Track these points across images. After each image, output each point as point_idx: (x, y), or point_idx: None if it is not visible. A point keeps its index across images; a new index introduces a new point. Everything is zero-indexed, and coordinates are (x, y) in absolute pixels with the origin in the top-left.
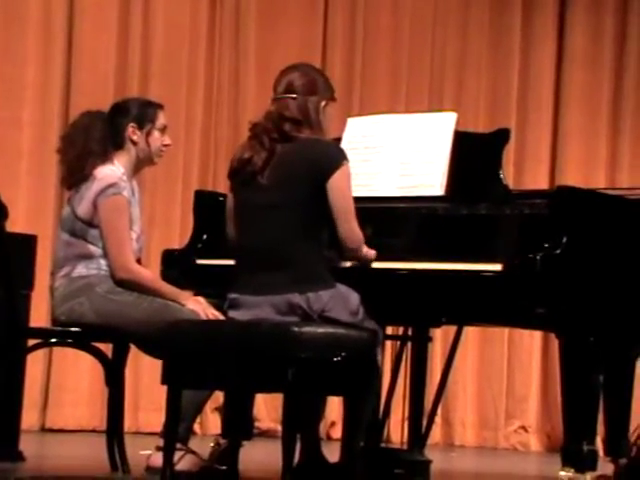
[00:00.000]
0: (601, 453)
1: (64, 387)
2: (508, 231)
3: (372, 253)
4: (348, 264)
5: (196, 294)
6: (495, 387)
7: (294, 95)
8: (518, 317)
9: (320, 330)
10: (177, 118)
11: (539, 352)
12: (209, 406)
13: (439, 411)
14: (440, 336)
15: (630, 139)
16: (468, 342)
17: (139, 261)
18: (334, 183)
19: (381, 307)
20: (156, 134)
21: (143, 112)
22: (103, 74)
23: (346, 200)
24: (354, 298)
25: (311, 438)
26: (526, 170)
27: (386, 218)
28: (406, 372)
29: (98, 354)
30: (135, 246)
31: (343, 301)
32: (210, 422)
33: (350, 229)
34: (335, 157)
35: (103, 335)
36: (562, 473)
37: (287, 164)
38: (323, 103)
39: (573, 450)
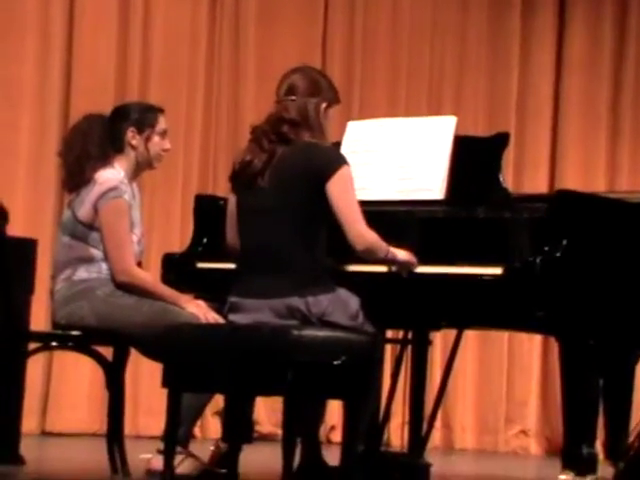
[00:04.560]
0: (601, 457)
1: (64, 391)
2: (508, 235)
3: (403, 255)
4: (355, 268)
5: (196, 297)
6: (495, 391)
7: (294, 97)
8: (518, 321)
9: (320, 333)
10: (177, 121)
11: (539, 356)
12: (209, 410)
13: (439, 415)
14: (440, 340)
15: (629, 142)
16: (468, 346)
17: (140, 264)
18: (333, 187)
19: (381, 311)
20: (156, 139)
21: (143, 116)
22: (103, 76)
23: (347, 203)
24: (354, 302)
25: (311, 442)
26: (525, 174)
27: (386, 222)
28: (406, 376)
29: (98, 357)
30: (136, 249)
31: (343, 305)
32: (210, 426)
33: (356, 231)
34: (333, 161)
35: (103, 338)
36: (562, 477)
37: (286, 167)
38: (324, 105)
39: (573, 453)
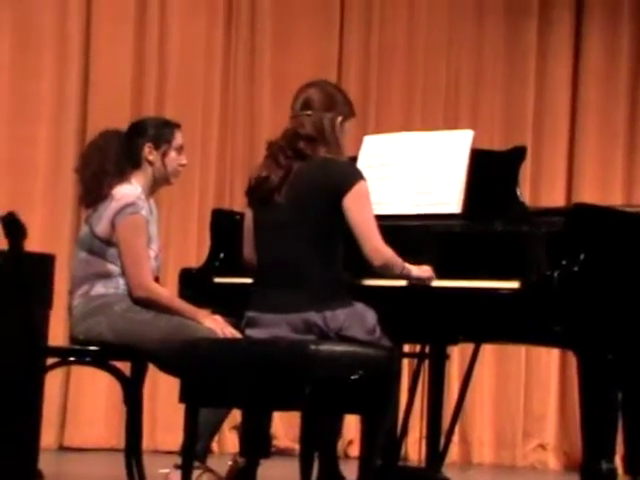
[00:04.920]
0: (620, 471)
1: (82, 406)
2: (525, 249)
3: (417, 271)
4: (372, 282)
5: (214, 312)
6: (513, 405)
7: (309, 112)
8: (535, 335)
9: (337, 348)
10: (193, 137)
11: (557, 370)
12: (227, 425)
13: (457, 429)
14: (457, 354)
15: None
16: (485, 360)
17: (157, 280)
18: (349, 202)
19: (398, 325)
20: (173, 154)
21: (160, 132)
22: (119, 92)
23: (364, 218)
24: (371, 316)
25: (329, 456)
26: (543, 188)
27: (403, 236)
28: (423, 390)
29: (116, 373)
30: (153, 264)
31: (360, 319)
32: (228, 441)
33: (372, 247)
34: (349, 176)
35: (121, 354)
36: None
37: (302, 183)
38: (340, 119)
39: (592, 469)
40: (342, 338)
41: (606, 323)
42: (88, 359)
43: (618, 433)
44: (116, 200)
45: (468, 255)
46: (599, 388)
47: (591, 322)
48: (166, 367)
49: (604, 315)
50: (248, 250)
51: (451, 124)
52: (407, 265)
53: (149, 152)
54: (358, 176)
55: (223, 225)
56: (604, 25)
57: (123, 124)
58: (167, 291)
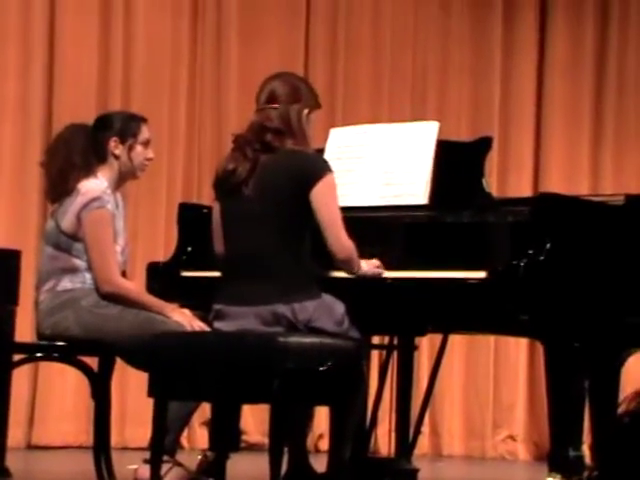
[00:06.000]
0: (588, 460)
1: (50, 403)
2: (492, 238)
3: (372, 267)
4: (340, 274)
5: (181, 306)
6: (482, 397)
7: (276, 105)
8: (503, 324)
9: (306, 340)
10: (160, 131)
11: (525, 361)
12: (197, 420)
13: (426, 421)
14: (426, 345)
15: (612, 146)
16: (454, 352)
17: (124, 274)
18: (317, 195)
19: (366, 316)
20: (139, 148)
21: (126, 126)
22: (85, 87)
23: (330, 211)
24: (339, 308)
25: (298, 449)
26: (509, 178)
27: (370, 227)
28: (392, 382)
29: (84, 368)
30: (120, 259)
31: (328, 311)
32: (198, 436)
33: (337, 240)
34: (317, 168)
35: (89, 348)
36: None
37: (270, 175)
38: (306, 111)
39: (559, 456)
40: (311, 330)
41: (572, 312)
42: (55, 355)
43: (585, 421)
44: (82, 194)
45: (435, 246)
46: (566, 376)
47: (557, 311)
48: (134, 361)
49: (570, 304)
50: (218, 244)
51: (418, 116)
52: (360, 264)
53: (115, 146)
54: (326, 168)
55: (190, 219)
56: (568, 14)
57: (89, 118)
58: (134, 285)
